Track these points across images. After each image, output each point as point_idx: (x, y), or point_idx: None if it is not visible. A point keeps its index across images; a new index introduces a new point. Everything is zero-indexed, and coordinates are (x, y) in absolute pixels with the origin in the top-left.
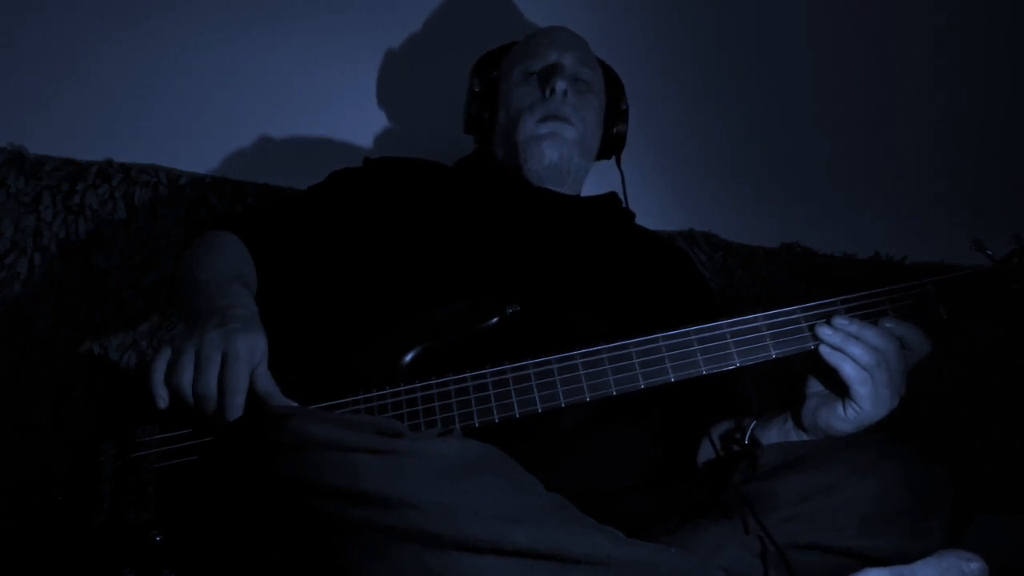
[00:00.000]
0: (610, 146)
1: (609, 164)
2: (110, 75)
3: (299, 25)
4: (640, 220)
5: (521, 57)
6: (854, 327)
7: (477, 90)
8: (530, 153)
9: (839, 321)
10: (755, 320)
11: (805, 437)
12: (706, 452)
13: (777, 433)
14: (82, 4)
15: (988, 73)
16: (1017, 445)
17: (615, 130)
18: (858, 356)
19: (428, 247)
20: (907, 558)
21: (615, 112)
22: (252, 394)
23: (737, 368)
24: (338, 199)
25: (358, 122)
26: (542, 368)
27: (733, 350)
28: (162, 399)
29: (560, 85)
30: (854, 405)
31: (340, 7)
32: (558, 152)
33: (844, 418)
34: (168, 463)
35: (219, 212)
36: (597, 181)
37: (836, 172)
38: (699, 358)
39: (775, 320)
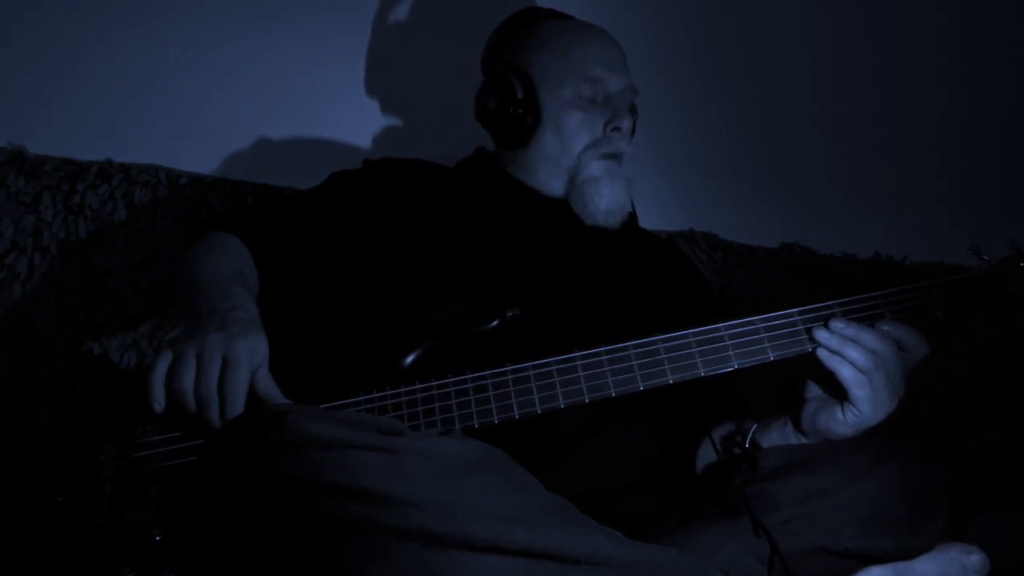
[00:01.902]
0: None
1: None
2: (110, 75)
3: (299, 25)
4: (640, 220)
5: (569, 72)
6: (851, 330)
7: (520, 96)
8: (590, 195)
9: (836, 324)
10: (753, 323)
11: (805, 440)
12: (706, 453)
13: (777, 436)
14: (82, 4)
15: (988, 73)
16: (1014, 444)
17: None
18: (855, 359)
19: (428, 249)
20: (906, 558)
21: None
22: (252, 395)
23: (735, 370)
24: (338, 201)
25: (358, 122)
26: (541, 370)
27: (731, 352)
28: (159, 403)
29: (627, 125)
30: (852, 408)
31: (340, 7)
32: (614, 195)
33: (843, 421)
34: (169, 463)
35: (219, 212)
36: None
37: (836, 172)
38: (697, 360)
39: (773, 323)
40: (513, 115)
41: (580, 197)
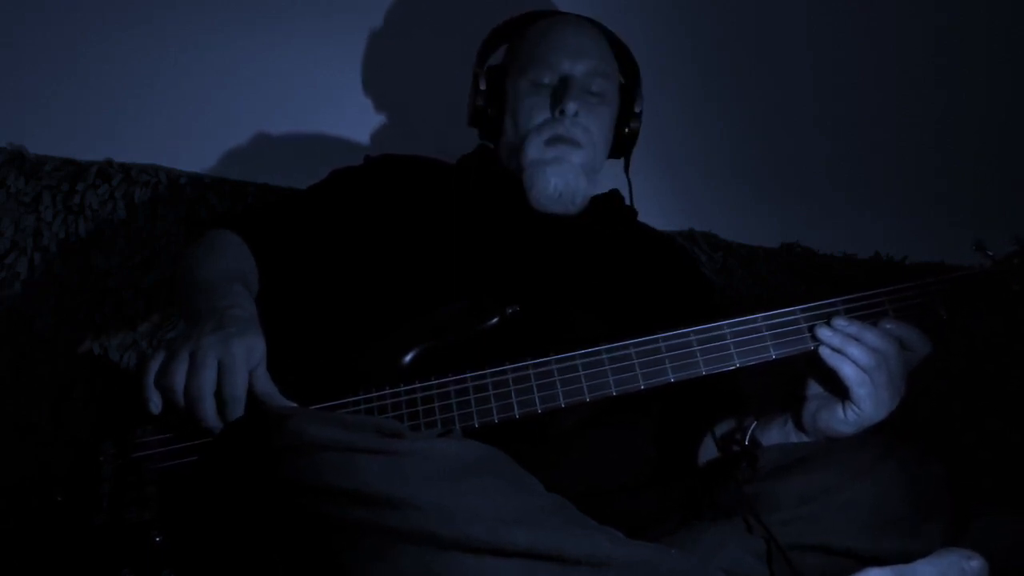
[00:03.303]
0: (619, 148)
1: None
2: (110, 75)
3: (299, 25)
4: (640, 220)
5: (528, 60)
6: (854, 328)
7: (482, 88)
8: (536, 178)
9: (839, 322)
10: (755, 320)
11: (805, 439)
12: (707, 451)
13: (777, 434)
14: (82, 4)
15: (988, 73)
16: (1015, 437)
17: (626, 131)
18: (857, 358)
19: (428, 247)
20: (907, 558)
21: (628, 114)
22: (251, 395)
23: (737, 368)
24: (339, 198)
25: (358, 121)
26: (542, 368)
27: (733, 351)
28: (154, 404)
29: (571, 107)
30: (854, 407)
31: (340, 7)
32: (563, 180)
33: (844, 420)
34: (169, 463)
35: (219, 212)
36: (601, 176)
37: (836, 172)
38: (699, 359)
39: (775, 321)
40: (482, 108)
41: (527, 179)
